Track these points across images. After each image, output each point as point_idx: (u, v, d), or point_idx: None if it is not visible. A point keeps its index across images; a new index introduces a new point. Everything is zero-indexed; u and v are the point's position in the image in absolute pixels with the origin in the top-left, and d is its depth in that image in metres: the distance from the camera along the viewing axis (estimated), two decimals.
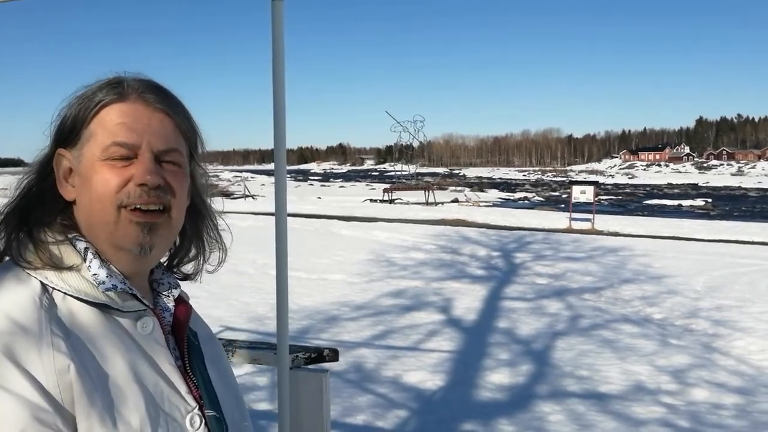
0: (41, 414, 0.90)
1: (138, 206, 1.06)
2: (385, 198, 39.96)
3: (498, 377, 6.64)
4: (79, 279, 1.04)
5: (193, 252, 1.26)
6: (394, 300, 10.35)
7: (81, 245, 1.07)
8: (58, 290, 1.02)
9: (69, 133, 1.09)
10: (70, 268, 1.04)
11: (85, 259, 1.06)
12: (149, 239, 1.08)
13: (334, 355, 2.62)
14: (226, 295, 10.10)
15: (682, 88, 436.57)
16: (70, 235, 1.08)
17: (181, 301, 1.22)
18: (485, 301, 10.33)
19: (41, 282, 1.02)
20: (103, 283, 1.04)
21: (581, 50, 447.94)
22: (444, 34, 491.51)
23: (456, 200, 40.60)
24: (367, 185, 69.99)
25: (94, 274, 1.04)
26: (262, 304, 9.44)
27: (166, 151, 1.10)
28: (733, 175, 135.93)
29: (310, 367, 2.49)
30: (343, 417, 5.47)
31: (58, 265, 1.03)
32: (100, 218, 1.06)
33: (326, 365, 2.58)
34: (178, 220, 1.14)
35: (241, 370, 6.14)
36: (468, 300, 10.39)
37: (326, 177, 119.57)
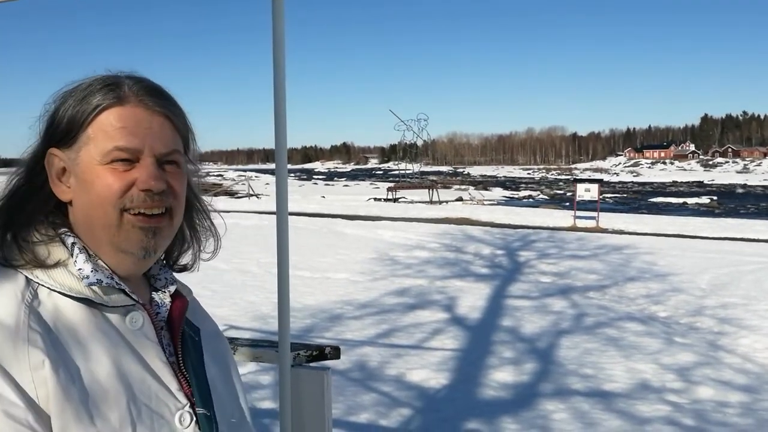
0: (12, 409, 0.90)
1: (142, 211, 1.06)
2: (389, 197, 39.91)
3: (502, 375, 6.63)
4: (65, 274, 1.03)
5: (189, 244, 1.26)
6: (398, 298, 10.35)
7: (69, 240, 1.07)
8: (44, 286, 1.01)
9: (64, 134, 1.08)
10: (56, 265, 1.04)
11: (72, 254, 1.05)
12: (153, 242, 1.09)
13: (335, 352, 2.61)
14: (230, 293, 10.12)
15: (687, 85, 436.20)
16: (59, 231, 1.08)
17: (179, 296, 1.21)
18: (489, 300, 10.32)
19: (26, 277, 1.02)
20: (87, 277, 1.03)
21: (585, 48, 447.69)
22: (448, 32, 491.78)
23: (460, 199, 40.55)
24: (371, 184, 69.96)
25: (79, 269, 1.04)
26: (266, 303, 9.44)
27: (167, 153, 1.10)
28: (738, 172, 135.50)
29: (311, 364, 2.49)
30: (347, 415, 5.47)
31: (43, 263, 1.03)
32: (102, 222, 1.06)
33: (329, 363, 2.57)
34: (178, 220, 1.15)
35: (244, 368, 6.14)
36: (472, 298, 10.38)
37: (330, 176, 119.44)
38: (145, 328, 1.08)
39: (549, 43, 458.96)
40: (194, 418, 1.08)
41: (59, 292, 1.02)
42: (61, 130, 1.08)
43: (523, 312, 9.47)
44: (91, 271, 1.04)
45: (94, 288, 1.04)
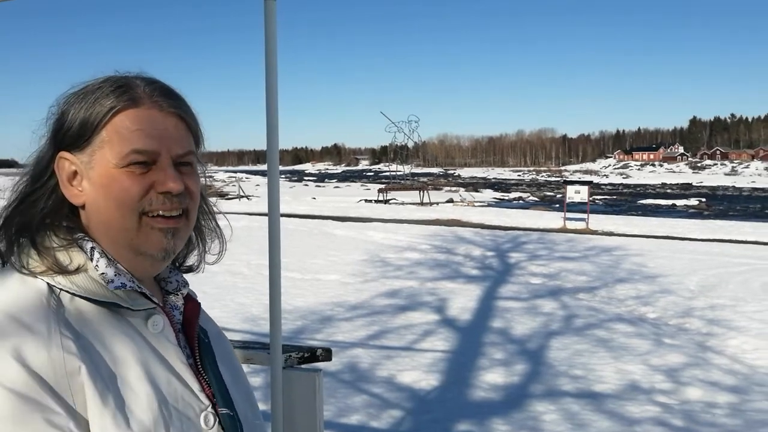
0: (53, 417, 0.89)
1: (161, 213, 1.06)
2: (380, 198, 39.92)
3: (493, 377, 6.65)
4: (86, 279, 1.03)
5: (194, 244, 1.26)
6: (389, 300, 10.35)
7: (88, 245, 1.06)
8: (66, 291, 1.01)
9: (76, 137, 1.07)
10: (77, 270, 1.03)
11: (92, 259, 1.05)
12: (173, 243, 1.09)
13: (327, 354, 2.61)
14: (221, 295, 10.10)
15: (676, 88, 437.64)
16: (76, 236, 1.07)
17: (190, 299, 1.21)
18: (480, 301, 10.34)
19: (48, 283, 1.01)
20: (112, 281, 1.03)
21: (575, 50, 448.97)
22: (439, 34, 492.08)
23: (451, 200, 40.61)
24: (362, 185, 69.96)
25: (102, 273, 1.04)
26: (256, 305, 9.43)
27: (183, 155, 1.10)
28: (726, 174, 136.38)
29: (303, 366, 2.49)
30: (338, 417, 5.47)
31: (65, 269, 1.02)
32: (120, 225, 1.06)
33: (320, 365, 2.57)
34: (193, 221, 1.15)
35: None
36: (463, 300, 10.39)
37: (321, 177, 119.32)
38: (165, 331, 1.09)
39: (539, 45, 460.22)
40: (217, 419, 1.09)
41: (82, 297, 1.01)
42: (72, 133, 1.07)
43: (514, 313, 9.50)
44: (115, 275, 1.04)
45: (119, 292, 1.04)
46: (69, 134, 1.07)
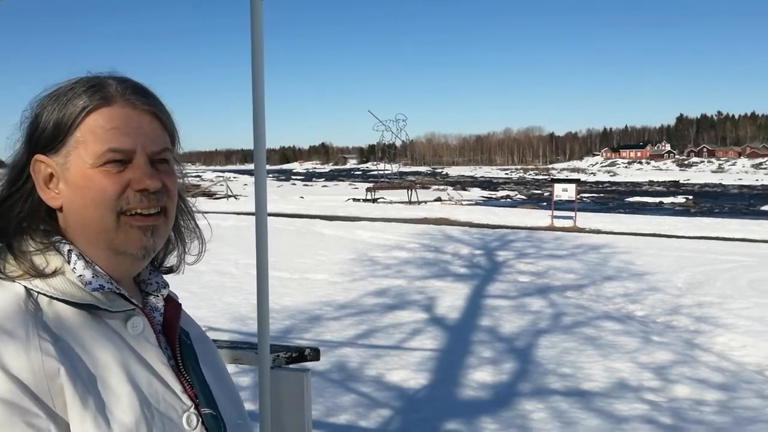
0: (33, 420, 0.89)
1: (139, 211, 1.06)
2: (368, 197, 39.88)
3: (481, 375, 6.65)
4: (64, 282, 1.02)
5: (173, 244, 1.25)
6: (377, 299, 10.34)
7: (65, 248, 1.05)
8: (44, 294, 1.00)
9: (50, 139, 1.06)
10: (54, 273, 1.02)
11: (69, 262, 1.04)
12: (152, 241, 1.09)
13: (315, 354, 2.60)
14: (209, 295, 10.06)
15: (663, 85, 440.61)
16: (53, 239, 1.06)
17: (171, 300, 1.20)
18: (468, 300, 10.35)
19: (25, 287, 1.00)
20: (90, 283, 1.02)
21: (562, 49, 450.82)
22: (425, 33, 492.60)
23: (439, 199, 40.62)
24: (349, 184, 69.87)
25: (80, 275, 1.03)
26: (244, 305, 9.40)
27: (159, 152, 1.09)
28: (713, 172, 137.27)
29: (291, 366, 2.47)
30: (326, 417, 5.46)
31: (42, 272, 1.02)
32: (98, 226, 1.05)
33: (308, 365, 2.56)
34: (172, 218, 1.14)
35: None
36: (451, 298, 10.40)
37: (309, 176, 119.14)
38: (146, 333, 1.08)
39: (526, 43, 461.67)
40: (200, 419, 1.08)
41: (60, 300, 1.00)
42: (47, 135, 1.06)
43: (502, 312, 9.51)
44: (93, 277, 1.03)
45: (97, 294, 1.03)
46: (43, 136, 1.07)
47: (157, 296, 1.19)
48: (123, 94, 1.08)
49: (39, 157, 1.07)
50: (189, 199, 1.27)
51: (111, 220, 1.05)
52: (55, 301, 1.00)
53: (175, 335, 1.16)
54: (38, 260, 1.03)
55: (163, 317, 1.17)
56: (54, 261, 1.03)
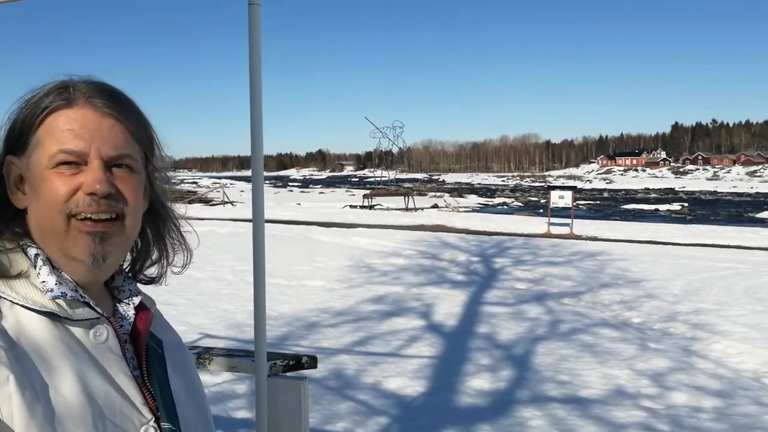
0: None
1: (88, 216, 1.03)
2: (365, 204, 39.88)
3: (478, 382, 6.64)
4: (28, 287, 1.00)
5: (155, 255, 1.22)
6: (374, 306, 10.32)
7: (32, 251, 1.04)
8: (5, 299, 0.98)
9: (17, 139, 1.06)
10: (18, 276, 1.01)
11: (35, 266, 1.02)
12: (101, 249, 1.04)
13: (312, 362, 2.59)
14: (205, 302, 10.03)
15: (658, 93, 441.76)
16: (21, 242, 1.05)
17: (143, 308, 1.17)
18: (465, 307, 10.33)
19: None
20: (51, 290, 1.00)
21: (558, 56, 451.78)
22: (423, 41, 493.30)
23: (436, 206, 40.69)
24: (346, 191, 69.90)
25: (43, 281, 1.01)
26: (241, 312, 9.37)
27: (117, 157, 1.06)
28: (708, 179, 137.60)
29: (288, 374, 2.46)
30: (323, 424, 5.44)
31: (5, 274, 1.00)
32: (50, 228, 1.03)
33: (305, 372, 2.55)
34: (132, 227, 1.10)
35: (220, 377, 6.09)
36: (448, 305, 10.38)
37: (306, 183, 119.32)
38: (109, 342, 1.05)
39: (523, 51, 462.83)
40: None
41: (22, 306, 0.98)
42: (15, 136, 1.06)
43: (499, 319, 9.50)
44: (56, 284, 1.01)
45: (59, 301, 1.01)
46: (13, 137, 1.07)
47: (128, 304, 1.16)
48: (86, 97, 1.06)
49: (10, 158, 1.07)
50: (177, 206, 1.24)
51: (61, 222, 1.02)
52: (16, 306, 0.98)
53: (143, 345, 1.12)
54: (4, 261, 1.02)
55: (132, 326, 1.14)
56: (19, 264, 1.02)
